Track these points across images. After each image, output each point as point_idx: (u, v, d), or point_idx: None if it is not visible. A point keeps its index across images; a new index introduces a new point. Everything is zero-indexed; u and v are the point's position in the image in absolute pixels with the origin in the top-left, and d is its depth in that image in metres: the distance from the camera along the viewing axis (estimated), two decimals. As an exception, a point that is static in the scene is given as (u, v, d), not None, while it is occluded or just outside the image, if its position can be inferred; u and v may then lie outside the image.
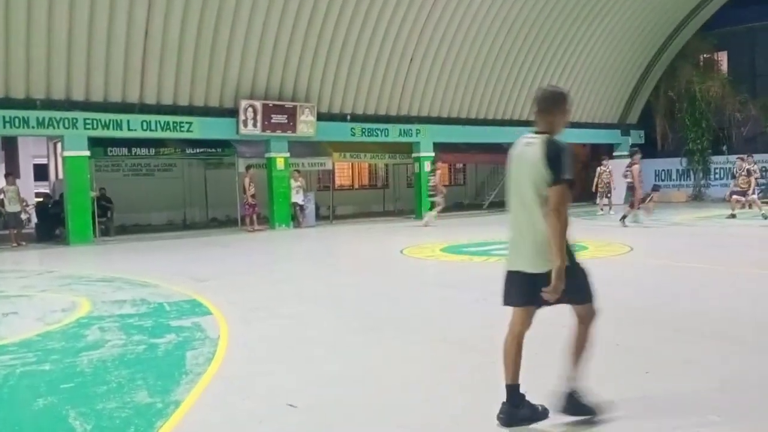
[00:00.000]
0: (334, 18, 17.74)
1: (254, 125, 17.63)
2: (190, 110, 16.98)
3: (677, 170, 25.74)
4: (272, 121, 17.86)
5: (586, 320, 3.34)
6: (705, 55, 25.92)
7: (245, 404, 3.81)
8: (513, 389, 3.32)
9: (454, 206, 25.52)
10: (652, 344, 4.92)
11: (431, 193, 18.16)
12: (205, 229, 19.14)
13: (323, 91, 18.87)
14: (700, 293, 7.03)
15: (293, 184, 18.67)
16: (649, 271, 8.90)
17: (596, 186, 20.12)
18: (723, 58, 26.81)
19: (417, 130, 20.87)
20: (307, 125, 18.47)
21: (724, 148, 25.13)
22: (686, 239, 12.95)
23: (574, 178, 3.16)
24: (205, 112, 17.19)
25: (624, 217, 15.33)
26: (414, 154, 21.28)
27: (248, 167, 18.16)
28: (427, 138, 21.05)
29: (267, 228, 18.33)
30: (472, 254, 11.02)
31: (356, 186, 26.44)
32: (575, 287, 3.21)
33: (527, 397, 3.34)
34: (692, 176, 25.48)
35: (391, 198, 26.42)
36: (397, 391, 3.99)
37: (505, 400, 3.32)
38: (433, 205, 17.95)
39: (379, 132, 20.19)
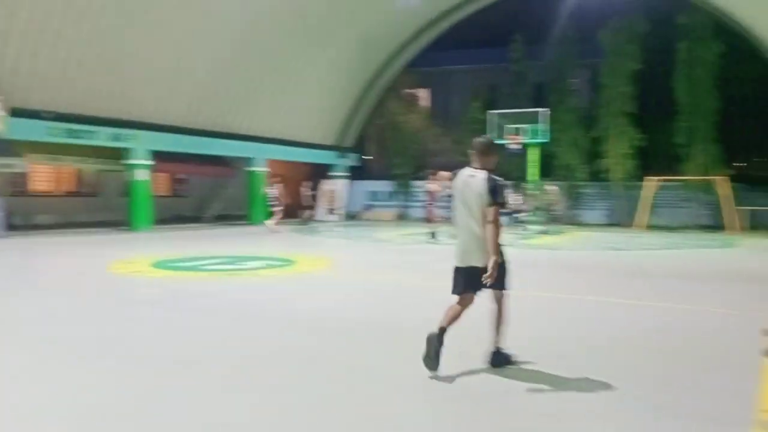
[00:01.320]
0: None
1: None
2: None
3: (386, 192, 28.38)
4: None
5: (501, 302, 4.78)
6: (409, 91, 29.11)
7: None
8: (443, 330, 4.57)
9: (175, 218, 24.51)
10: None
11: (273, 203, 19.71)
12: None
13: (17, 82, 16.59)
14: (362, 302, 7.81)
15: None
16: (347, 286, 9.55)
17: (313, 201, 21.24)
18: (425, 94, 30.47)
19: (131, 135, 19.57)
20: (-6, 120, 16.06)
21: (423, 174, 28.50)
22: (381, 255, 14.29)
23: (504, 201, 4.63)
24: None
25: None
26: (127, 161, 19.90)
27: None
28: (143, 145, 19.88)
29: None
30: (184, 270, 10.68)
31: (59, 192, 23.71)
32: (499, 277, 4.61)
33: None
34: (398, 198, 28.32)
35: (102, 207, 24.29)
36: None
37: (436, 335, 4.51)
38: (272, 215, 19.55)
39: (85, 134, 18.43)
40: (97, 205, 24.17)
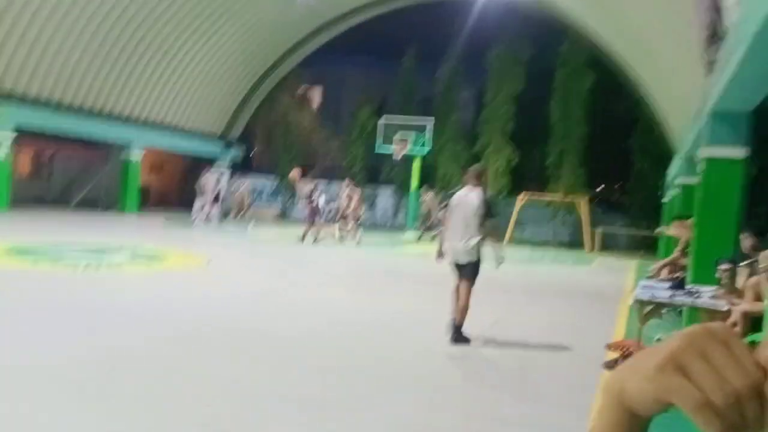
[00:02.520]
0: None
1: None
2: None
3: (269, 189, 27.95)
4: None
5: (467, 292, 6.12)
6: (301, 88, 28.88)
7: None
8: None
9: (36, 201, 22.73)
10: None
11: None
12: None
13: None
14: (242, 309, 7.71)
15: None
16: (221, 287, 9.34)
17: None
18: (316, 94, 30.38)
19: (-9, 108, 17.92)
20: None
21: (309, 174, 28.38)
22: (259, 256, 14.09)
23: (495, 214, 6.25)
24: None
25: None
26: (-15, 136, 18.21)
27: None
28: (6, 118, 18.25)
29: None
30: (38, 256, 9.94)
31: None
32: (474, 271, 6.15)
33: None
34: (281, 196, 28.01)
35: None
36: None
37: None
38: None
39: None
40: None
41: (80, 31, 18.97)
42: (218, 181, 20.49)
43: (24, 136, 19.41)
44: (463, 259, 6.11)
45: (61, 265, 9.43)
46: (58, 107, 19.75)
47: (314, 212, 16.23)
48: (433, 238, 19.52)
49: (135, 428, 3.58)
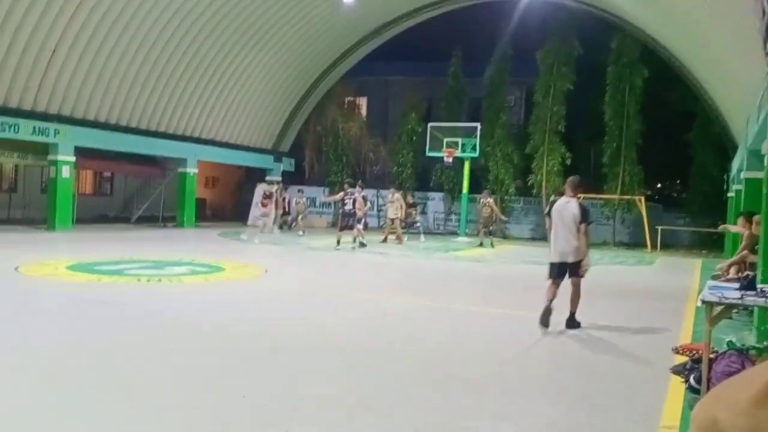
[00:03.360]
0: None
1: None
2: None
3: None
4: None
5: (578, 284, 7.28)
6: (348, 99, 29.09)
7: None
8: (550, 302, 7.09)
9: (98, 218, 23.61)
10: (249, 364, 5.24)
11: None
12: None
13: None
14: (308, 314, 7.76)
15: None
16: (274, 294, 9.45)
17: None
18: (363, 103, 30.53)
19: (56, 130, 18.73)
20: None
21: (360, 181, 28.48)
22: (316, 264, 14.20)
23: (592, 220, 7.46)
24: None
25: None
26: (50, 157, 19.04)
27: None
28: (68, 140, 19.06)
29: None
30: (102, 273, 10.28)
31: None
32: (579, 269, 7.25)
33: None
34: (333, 205, 28.21)
35: (20, 204, 23.12)
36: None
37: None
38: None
39: (7, 127, 17.53)
40: (15, 202, 23.00)
41: (133, 54, 19.63)
42: (276, 192, 20.71)
43: (85, 155, 20.19)
44: (571, 259, 7.19)
45: (124, 279, 9.73)
46: (116, 128, 20.48)
47: (348, 217, 16.40)
48: (493, 244, 19.32)
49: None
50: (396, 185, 23.07)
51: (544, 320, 7.00)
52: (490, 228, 19.74)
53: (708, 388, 4.82)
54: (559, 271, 7.21)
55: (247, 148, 26.05)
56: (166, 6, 19.14)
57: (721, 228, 11.22)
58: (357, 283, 10.75)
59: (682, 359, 5.76)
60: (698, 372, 4.94)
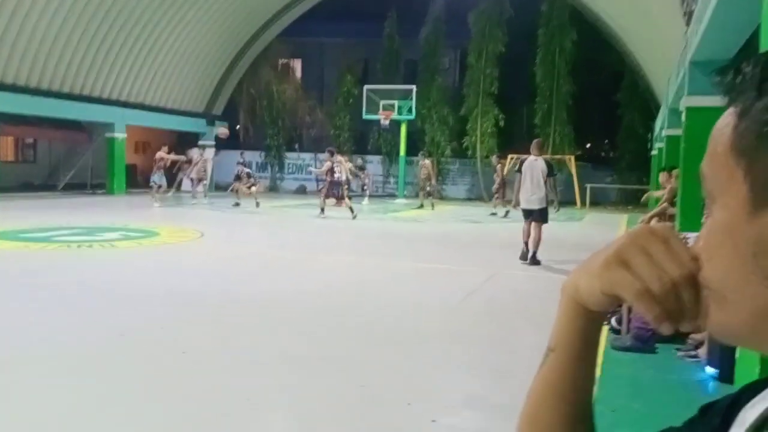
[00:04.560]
0: None
1: None
2: None
3: (257, 163, 27.75)
4: None
5: (539, 229, 8.69)
6: (283, 60, 28.52)
7: None
8: (526, 243, 8.82)
9: (22, 187, 22.53)
10: (190, 325, 5.25)
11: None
12: None
13: None
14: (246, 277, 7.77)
15: None
16: (212, 257, 9.38)
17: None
18: (298, 65, 30.01)
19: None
20: None
21: (296, 145, 28.23)
22: (253, 227, 14.10)
23: (556, 173, 9.61)
24: None
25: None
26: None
27: None
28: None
29: None
30: (29, 241, 9.91)
31: None
32: (544, 214, 8.81)
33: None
34: (269, 169, 27.86)
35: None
36: None
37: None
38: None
39: None
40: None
41: (52, 14, 18.55)
42: (201, 156, 20.27)
43: (4, 121, 19.15)
44: (536, 206, 8.67)
45: (53, 246, 9.42)
46: (36, 91, 19.42)
47: (337, 186, 15.89)
48: (433, 206, 19.49)
49: (143, 396, 3.65)
50: (336, 148, 22.77)
51: (523, 256, 8.81)
52: (429, 189, 19.97)
53: (629, 329, 5.17)
54: (527, 214, 8.84)
55: (179, 112, 25.27)
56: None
57: (644, 199, 11.76)
58: (298, 245, 10.76)
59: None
60: (619, 314, 5.27)
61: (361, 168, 21.90)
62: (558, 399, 0.60)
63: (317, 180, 22.30)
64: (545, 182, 8.72)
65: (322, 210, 15.55)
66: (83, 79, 20.92)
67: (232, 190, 19.34)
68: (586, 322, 0.57)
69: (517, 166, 9.43)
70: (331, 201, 16.02)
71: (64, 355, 4.28)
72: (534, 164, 8.77)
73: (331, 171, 15.69)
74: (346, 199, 15.71)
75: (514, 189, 9.20)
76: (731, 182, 0.44)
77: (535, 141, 9.38)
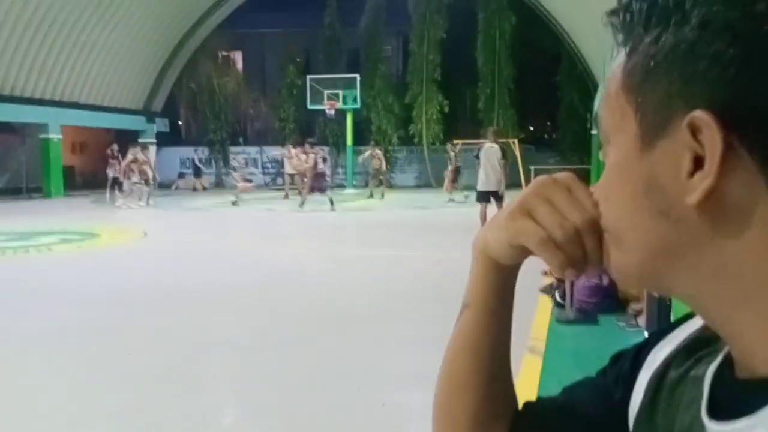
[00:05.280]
0: None
1: None
2: None
3: (199, 159, 27.14)
4: None
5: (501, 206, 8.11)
6: (223, 53, 27.92)
7: None
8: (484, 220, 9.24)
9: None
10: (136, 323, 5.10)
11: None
12: None
13: None
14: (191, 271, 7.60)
15: None
16: (158, 255, 9.14)
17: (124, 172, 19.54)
18: (239, 57, 29.45)
19: None
20: None
21: (241, 139, 27.76)
22: (198, 224, 13.81)
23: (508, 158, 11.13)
24: None
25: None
26: None
27: None
28: None
29: None
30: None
31: None
32: (500, 195, 9.54)
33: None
34: (213, 164, 27.32)
35: None
36: None
37: None
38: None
39: None
40: None
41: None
42: (145, 158, 19.59)
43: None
44: (494, 188, 9.48)
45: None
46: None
47: (321, 178, 15.57)
48: (383, 194, 19.43)
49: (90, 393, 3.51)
50: (292, 141, 22.19)
51: None
52: (381, 178, 20.00)
53: (572, 302, 5.29)
54: (485, 197, 9.56)
55: (116, 110, 24.43)
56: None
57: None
58: (245, 239, 10.60)
59: (549, 280, 6.23)
60: (562, 289, 5.38)
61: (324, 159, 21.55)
62: (473, 355, 0.60)
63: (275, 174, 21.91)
64: (500, 166, 9.56)
65: (303, 204, 15.20)
66: (13, 79, 19.98)
67: (194, 189, 18.70)
68: (498, 276, 0.56)
69: (476, 153, 10.42)
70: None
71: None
72: (490, 150, 9.68)
73: (315, 162, 15.49)
74: (328, 191, 15.49)
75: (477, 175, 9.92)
76: (623, 121, 0.43)
77: (491, 129, 10.72)
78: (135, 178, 18.01)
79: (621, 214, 0.44)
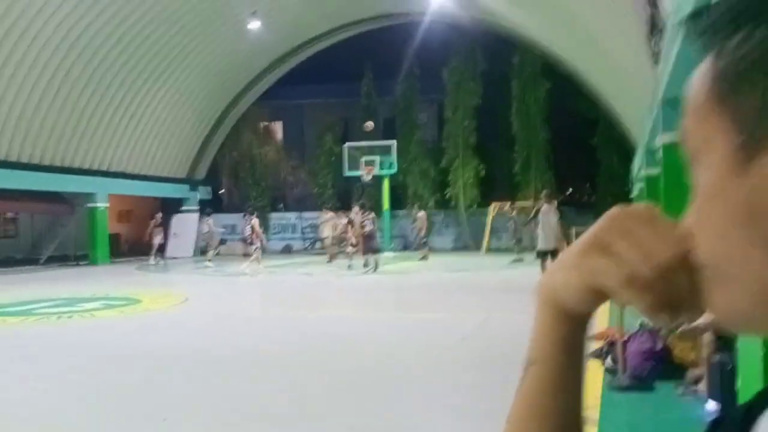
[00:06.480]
0: None
1: None
2: None
3: (241, 225, 27.59)
4: None
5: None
6: (264, 123, 28.86)
7: None
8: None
9: (4, 262, 22.16)
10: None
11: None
12: None
13: None
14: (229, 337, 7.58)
15: None
16: (198, 320, 9.18)
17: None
18: (278, 127, 30.36)
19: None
20: None
21: (281, 206, 28.25)
22: (239, 288, 13.90)
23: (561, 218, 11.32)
24: None
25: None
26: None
27: None
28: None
29: None
30: (7, 315, 9.66)
31: None
32: (557, 254, 9.78)
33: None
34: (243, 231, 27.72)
35: None
36: None
37: None
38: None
39: None
40: None
41: (31, 87, 18.71)
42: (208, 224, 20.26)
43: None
44: (552, 246, 10.17)
45: (32, 319, 9.18)
46: (15, 165, 19.34)
47: (371, 239, 15.81)
48: (424, 257, 19.47)
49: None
50: (328, 206, 22.53)
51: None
52: (425, 240, 20.18)
53: (624, 368, 5.06)
54: (544, 254, 10.31)
55: (161, 179, 25.25)
56: (67, 33, 18.40)
57: None
58: (287, 303, 10.59)
59: (599, 344, 6.00)
60: (614, 353, 5.17)
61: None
62: (542, 419, 0.50)
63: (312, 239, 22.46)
64: (557, 225, 10.53)
65: (366, 264, 15.62)
66: (63, 150, 20.92)
67: (244, 255, 19.13)
68: (568, 327, 0.48)
69: (533, 214, 11.61)
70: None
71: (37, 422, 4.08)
72: (548, 211, 10.72)
73: (362, 224, 15.83)
74: (379, 253, 16.04)
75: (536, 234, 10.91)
76: (716, 136, 0.37)
77: (546, 192, 12.17)
78: (257, 243, 18.18)
79: (720, 245, 0.38)
